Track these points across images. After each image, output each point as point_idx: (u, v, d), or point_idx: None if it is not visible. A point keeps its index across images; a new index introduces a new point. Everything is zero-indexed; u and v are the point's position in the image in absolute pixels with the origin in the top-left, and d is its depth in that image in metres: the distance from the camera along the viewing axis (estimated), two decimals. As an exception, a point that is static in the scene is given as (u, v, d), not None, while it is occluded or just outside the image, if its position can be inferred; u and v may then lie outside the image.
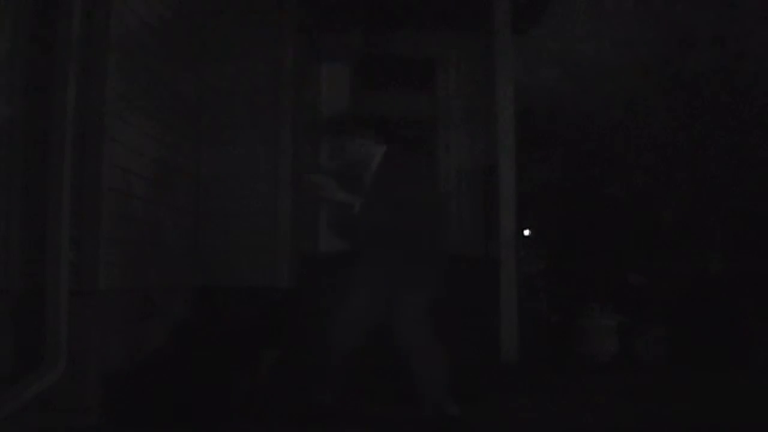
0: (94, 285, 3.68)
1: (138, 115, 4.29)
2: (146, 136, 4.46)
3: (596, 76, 7.60)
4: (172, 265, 4.99)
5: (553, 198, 7.26)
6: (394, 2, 6.20)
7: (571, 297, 6.31)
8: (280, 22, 5.69)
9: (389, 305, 3.65)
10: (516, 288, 5.32)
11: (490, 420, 3.91)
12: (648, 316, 5.97)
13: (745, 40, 7.18)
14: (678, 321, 5.93)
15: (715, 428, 3.80)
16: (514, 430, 3.80)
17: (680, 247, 6.65)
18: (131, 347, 4.11)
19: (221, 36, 5.59)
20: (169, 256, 4.95)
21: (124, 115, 4.06)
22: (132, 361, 4.00)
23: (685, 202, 6.90)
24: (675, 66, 7.20)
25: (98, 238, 3.72)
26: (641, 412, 4.12)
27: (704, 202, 6.82)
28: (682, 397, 4.52)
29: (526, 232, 7.10)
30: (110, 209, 3.86)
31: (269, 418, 3.88)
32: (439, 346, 3.60)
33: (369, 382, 4.15)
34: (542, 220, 7.25)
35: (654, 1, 7.67)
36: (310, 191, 3.90)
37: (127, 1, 4.05)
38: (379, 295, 3.68)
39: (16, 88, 3.43)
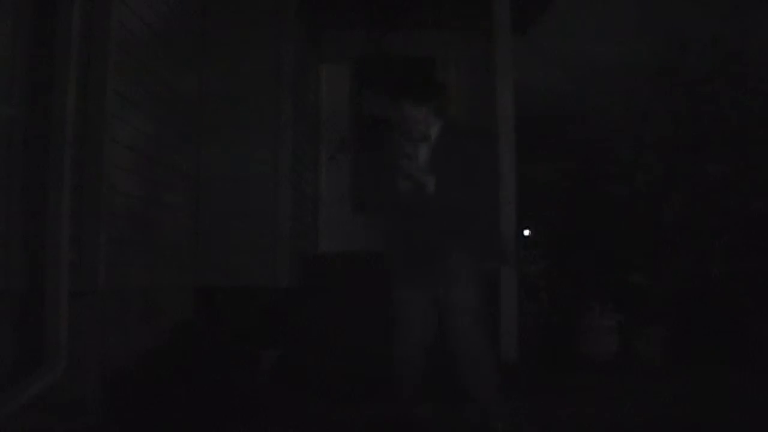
0: (94, 285, 3.68)
1: (138, 115, 4.29)
2: (146, 136, 4.46)
3: (596, 76, 7.61)
4: (172, 265, 4.99)
5: (553, 198, 7.26)
6: (395, 2, 6.20)
7: (571, 297, 6.31)
8: (280, 22, 5.69)
9: (439, 301, 3.52)
10: (516, 288, 5.32)
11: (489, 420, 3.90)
12: (648, 316, 5.97)
13: (746, 39, 7.18)
14: (678, 321, 5.93)
15: (715, 428, 3.80)
16: (513, 430, 3.79)
17: (680, 247, 6.64)
18: (131, 347, 4.11)
19: (221, 36, 5.60)
20: (169, 256, 4.95)
21: (124, 115, 4.06)
22: (132, 361, 4.00)
23: (685, 202, 6.89)
24: (675, 65, 7.20)
25: (98, 238, 3.72)
26: (641, 412, 4.12)
27: (704, 202, 6.81)
28: (682, 397, 4.52)
29: (526, 232, 7.09)
30: (110, 209, 3.86)
31: (269, 418, 3.88)
32: (491, 347, 3.49)
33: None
34: (542, 220, 7.24)
35: (654, 1, 7.67)
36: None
37: (127, 1, 4.05)
38: (430, 290, 3.54)
39: (16, 88, 3.43)
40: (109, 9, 3.80)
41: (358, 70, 7.06)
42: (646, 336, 5.81)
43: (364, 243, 6.54)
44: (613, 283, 6.38)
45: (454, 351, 3.51)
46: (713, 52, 7.05)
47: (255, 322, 5.14)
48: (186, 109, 5.28)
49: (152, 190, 4.59)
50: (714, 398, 4.45)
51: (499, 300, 5.26)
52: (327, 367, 4.72)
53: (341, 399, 4.24)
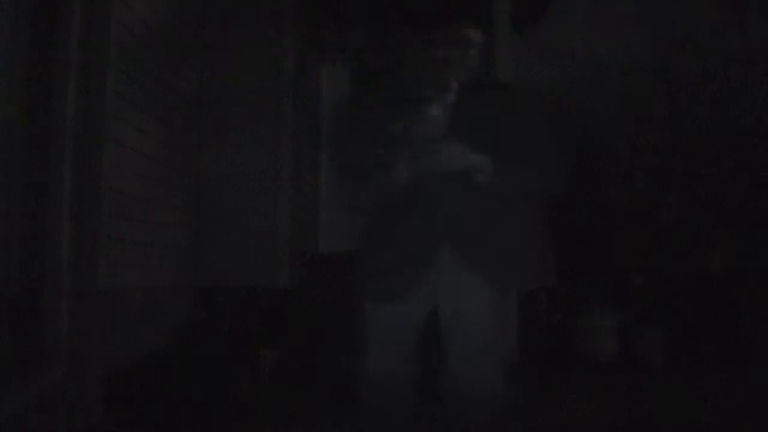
0: (94, 285, 3.68)
1: (137, 115, 4.29)
2: (146, 136, 4.46)
3: (596, 76, 7.60)
4: (172, 265, 4.99)
5: (553, 198, 7.25)
6: (394, 2, 6.20)
7: (571, 297, 6.30)
8: (280, 22, 5.70)
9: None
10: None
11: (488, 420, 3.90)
12: (648, 316, 5.96)
13: (746, 39, 7.18)
14: (678, 321, 5.93)
15: (715, 428, 3.79)
16: (512, 430, 3.79)
17: (680, 247, 6.63)
18: (131, 347, 4.11)
19: (221, 36, 5.60)
20: (169, 256, 4.95)
21: (124, 115, 4.06)
22: (132, 361, 4.00)
23: (685, 202, 6.88)
24: (674, 65, 7.20)
25: (98, 238, 3.72)
26: (641, 412, 4.12)
27: (704, 202, 6.81)
28: (681, 397, 4.51)
29: (526, 232, 7.07)
30: (110, 209, 3.86)
31: (269, 418, 3.88)
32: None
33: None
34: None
35: (655, 2, 7.67)
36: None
37: (127, 1, 4.05)
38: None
39: (16, 88, 3.43)
40: (109, 9, 3.80)
41: (358, 70, 7.05)
42: (646, 336, 5.80)
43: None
44: (613, 283, 6.38)
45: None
46: (713, 51, 7.04)
47: (255, 322, 5.13)
48: (186, 109, 5.28)
49: (152, 189, 4.59)
50: (714, 398, 4.45)
51: (498, 300, 5.25)
52: (327, 368, 4.71)
53: (340, 399, 4.23)
